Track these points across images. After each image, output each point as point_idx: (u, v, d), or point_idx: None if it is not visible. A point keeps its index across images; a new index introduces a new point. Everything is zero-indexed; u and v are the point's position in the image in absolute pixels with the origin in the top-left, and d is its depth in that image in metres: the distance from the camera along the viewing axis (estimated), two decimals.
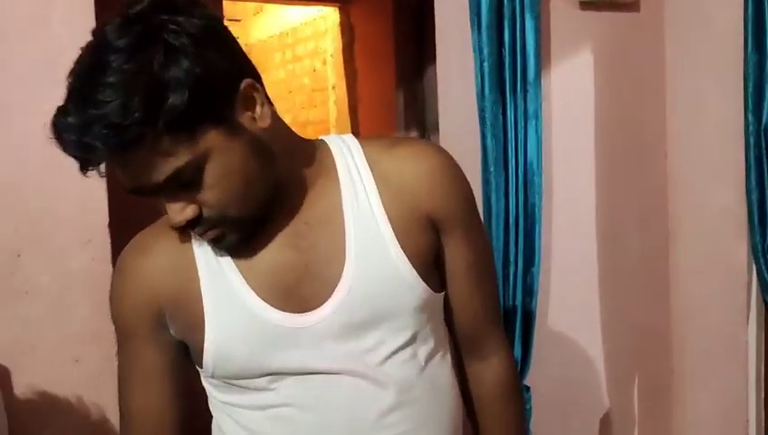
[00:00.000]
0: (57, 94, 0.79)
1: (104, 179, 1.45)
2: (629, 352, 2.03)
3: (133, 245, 0.94)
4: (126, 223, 1.54)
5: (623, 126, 1.97)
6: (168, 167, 0.78)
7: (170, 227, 0.85)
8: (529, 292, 1.71)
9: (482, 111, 1.65)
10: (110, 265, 1.49)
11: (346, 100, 3.90)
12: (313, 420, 0.88)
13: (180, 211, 0.81)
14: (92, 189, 1.45)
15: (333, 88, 4.06)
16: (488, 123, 1.64)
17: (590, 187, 1.93)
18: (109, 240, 1.48)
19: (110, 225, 1.49)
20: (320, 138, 0.96)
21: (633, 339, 2.03)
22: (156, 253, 0.91)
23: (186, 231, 0.88)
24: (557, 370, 1.89)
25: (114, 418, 1.51)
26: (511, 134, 1.66)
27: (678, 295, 2.04)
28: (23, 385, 1.45)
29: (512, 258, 1.68)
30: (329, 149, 0.93)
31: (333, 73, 4.05)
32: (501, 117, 1.65)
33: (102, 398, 1.50)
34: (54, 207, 1.46)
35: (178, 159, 0.77)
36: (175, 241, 0.90)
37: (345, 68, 3.87)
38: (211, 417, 0.99)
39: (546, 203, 1.75)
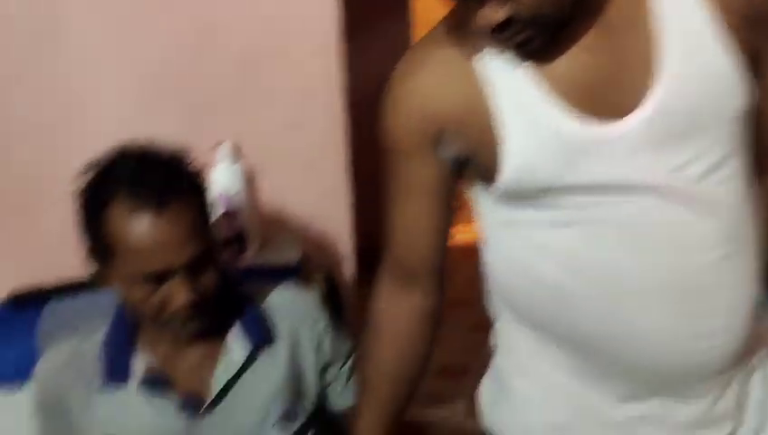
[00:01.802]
0: None
1: None
2: None
3: (408, 60, 0.86)
4: (359, 29, 1.48)
5: None
6: None
7: (479, 27, 0.75)
8: None
9: None
10: (346, 73, 1.46)
11: None
12: (629, 238, 0.80)
13: (493, 13, 0.73)
14: None
15: None
16: None
17: None
18: (343, 46, 1.44)
19: (344, 30, 1.44)
20: None
21: None
22: (434, 67, 0.83)
23: (467, 39, 0.79)
24: None
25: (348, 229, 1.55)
26: None
27: None
28: (266, 188, 1.51)
29: None
30: None
31: None
32: None
33: (339, 206, 1.53)
34: (287, 14, 1.44)
35: None
36: (454, 52, 0.81)
37: None
38: None
39: None
